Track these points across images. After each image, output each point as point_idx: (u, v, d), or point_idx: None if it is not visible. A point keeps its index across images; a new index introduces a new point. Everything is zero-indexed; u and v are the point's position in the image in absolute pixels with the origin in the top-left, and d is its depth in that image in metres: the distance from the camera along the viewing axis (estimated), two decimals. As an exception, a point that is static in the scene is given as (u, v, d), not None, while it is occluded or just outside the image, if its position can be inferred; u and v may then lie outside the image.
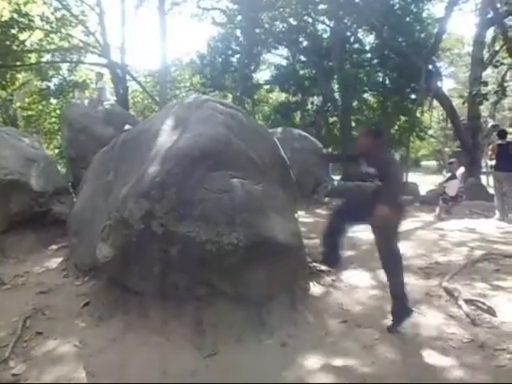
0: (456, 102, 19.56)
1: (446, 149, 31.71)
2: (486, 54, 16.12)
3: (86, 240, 4.87)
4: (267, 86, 25.14)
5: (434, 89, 15.30)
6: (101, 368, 3.07)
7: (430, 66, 15.62)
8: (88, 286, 4.53)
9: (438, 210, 9.17)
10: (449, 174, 9.56)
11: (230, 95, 23.85)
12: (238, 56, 22.25)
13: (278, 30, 21.96)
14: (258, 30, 21.12)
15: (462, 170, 9.59)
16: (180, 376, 2.93)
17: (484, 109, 19.74)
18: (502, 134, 8.71)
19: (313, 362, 3.10)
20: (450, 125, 18.47)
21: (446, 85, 29.07)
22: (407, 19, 17.60)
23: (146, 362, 3.12)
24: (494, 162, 8.64)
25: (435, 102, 17.73)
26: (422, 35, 17.66)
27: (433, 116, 23.20)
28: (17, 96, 24.74)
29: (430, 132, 26.92)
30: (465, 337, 3.35)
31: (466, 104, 15.72)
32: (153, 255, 3.56)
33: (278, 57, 25.09)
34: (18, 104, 24.90)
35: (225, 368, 3.01)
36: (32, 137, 9.21)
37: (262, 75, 26.68)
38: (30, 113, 23.54)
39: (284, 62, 24.09)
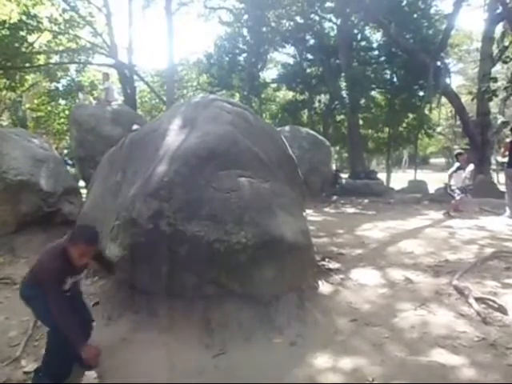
0: (465, 99, 19.38)
1: (455, 146, 31.48)
2: (495, 50, 15.94)
3: (96, 240, 4.89)
4: (274, 85, 25.13)
5: (442, 85, 15.17)
6: (111, 367, 3.09)
7: (439, 63, 15.48)
8: (97, 285, 4.56)
9: (453, 202, 9.10)
10: (456, 164, 9.45)
11: (237, 94, 23.87)
12: (244, 55, 22.23)
13: (284, 29, 21.90)
14: (264, 29, 21.09)
15: (471, 167, 9.49)
16: (188, 375, 2.93)
17: (493, 105, 19.55)
18: None
19: (322, 360, 3.10)
20: (458, 122, 18.31)
21: (455, 81, 28.79)
22: (415, 16, 17.47)
23: (155, 361, 3.13)
24: (506, 159, 8.53)
25: (443, 99, 17.59)
26: (430, 32, 17.53)
27: (441, 113, 23.06)
28: (26, 97, 25.01)
29: (439, 129, 26.79)
30: (476, 335, 3.33)
31: (475, 100, 15.58)
32: (161, 255, 3.57)
33: (284, 55, 25.07)
34: (28, 105, 25.16)
35: (233, 367, 3.02)
36: (41, 138, 9.30)
37: (269, 74, 26.67)
38: (39, 114, 23.78)
39: (291, 61, 24.06)
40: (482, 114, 15.05)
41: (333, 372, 2.97)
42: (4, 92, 21.17)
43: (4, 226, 6.37)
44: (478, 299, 3.85)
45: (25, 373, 3.02)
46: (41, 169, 6.83)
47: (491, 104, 16.51)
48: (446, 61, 18.33)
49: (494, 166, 18.30)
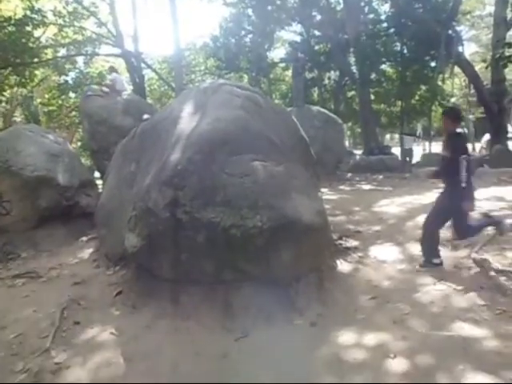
0: (479, 67, 18.91)
1: (470, 116, 30.83)
2: (509, 14, 15.43)
3: (114, 230, 4.98)
4: (283, 64, 24.82)
5: (454, 55, 14.85)
6: (137, 354, 3.18)
7: (450, 31, 15.11)
8: (119, 275, 4.65)
9: None
10: None
11: (245, 76, 23.67)
12: (251, 36, 21.94)
13: (290, 6, 21.49)
14: (269, 8, 20.72)
15: (487, 136, 9.31)
16: (213, 359, 3.00)
17: (509, 72, 19.02)
18: None
19: (344, 339, 3.13)
20: (472, 91, 17.92)
21: (468, 49, 28.01)
22: (423, -16, 16.97)
23: (179, 346, 3.21)
24: None
25: (457, 69, 17.19)
26: (440, -1, 17.05)
27: (455, 83, 22.54)
28: (37, 92, 25.17)
29: (453, 100, 26.22)
30: (497, 308, 3.32)
31: (490, 68, 15.19)
32: (179, 242, 3.62)
33: (291, 33, 24.66)
34: (39, 100, 25.35)
35: (256, 350, 3.06)
36: (54, 132, 9.39)
37: (277, 53, 26.33)
38: (50, 108, 23.93)
39: (298, 39, 23.67)
40: (497, 81, 14.71)
41: (356, 348, 3.00)
42: (15, 88, 21.31)
43: (25, 221, 6.51)
44: (498, 271, 3.83)
45: (56, 363, 3.12)
46: (56, 163, 6.93)
47: (506, 71, 16.07)
48: (458, 28, 17.87)
49: (511, 135, 17.88)
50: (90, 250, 5.91)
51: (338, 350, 3.00)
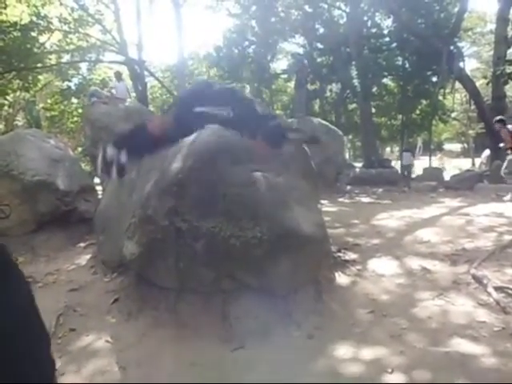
0: (480, 83, 19.03)
1: (470, 131, 30.93)
2: (510, 32, 15.58)
3: (113, 237, 4.96)
4: (285, 76, 24.98)
5: (455, 70, 14.93)
6: (132, 362, 3.15)
7: (452, 47, 15.23)
8: (116, 282, 4.63)
9: None
10: None
11: (247, 86, 23.80)
12: (254, 47, 22.12)
13: (293, 18, 21.71)
14: (273, 19, 20.94)
15: (487, 152, 9.34)
16: (208, 370, 2.97)
17: (509, 88, 19.14)
18: None
19: (341, 352, 3.11)
20: (473, 106, 18.01)
21: (469, 65, 28.29)
22: (426, 0, 17.16)
23: (175, 355, 3.18)
24: None
25: (457, 84, 17.30)
26: (442, 15, 17.23)
27: (456, 98, 22.68)
28: (39, 97, 25.27)
29: (453, 115, 26.34)
30: (495, 325, 3.30)
31: (490, 84, 15.29)
32: (178, 251, 3.61)
33: (294, 45, 24.88)
34: (41, 105, 25.44)
35: (253, 361, 3.04)
36: (56, 137, 9.40)
37: (279, 65, 26.53)
38: (53, 113, 24.02)
39: (301, 51, 23.86)
40: (497, 97, 14.79)
41: (353, 362, 2.98)
42: (18, 93, 21.43)
43: (24, 225, 6.49)
44: (497, 288, 3.81)
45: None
46: (57, 168, 6.93)
47: (507, 87, 16.18)
48: (460, 44, 18.02)
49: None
50: (88, 256, 5.88)
51: (335, 364, 2.97)
